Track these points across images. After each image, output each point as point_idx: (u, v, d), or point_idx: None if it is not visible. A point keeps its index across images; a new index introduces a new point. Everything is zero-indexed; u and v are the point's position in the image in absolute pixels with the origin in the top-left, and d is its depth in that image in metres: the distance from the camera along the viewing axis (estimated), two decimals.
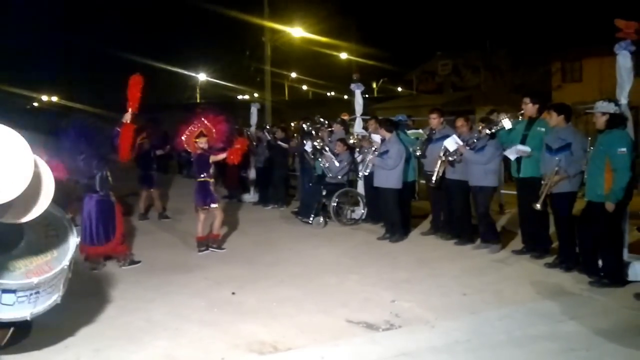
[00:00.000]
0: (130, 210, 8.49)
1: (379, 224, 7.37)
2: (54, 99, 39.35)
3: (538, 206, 5.21)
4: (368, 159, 7.01)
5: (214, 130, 6.29)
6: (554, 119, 5.21)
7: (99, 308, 4.40)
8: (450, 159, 6.18)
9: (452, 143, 6.10)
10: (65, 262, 2.91)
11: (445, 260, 5.75)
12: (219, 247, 6.39)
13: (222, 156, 6.28)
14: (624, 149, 4.54)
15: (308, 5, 22.46)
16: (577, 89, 21.97)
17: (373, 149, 7.00)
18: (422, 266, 5.57)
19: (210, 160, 6.23)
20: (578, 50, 23.20)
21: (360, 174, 7.57)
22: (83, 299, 4.53)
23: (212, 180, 6.30)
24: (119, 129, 5.43)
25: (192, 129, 6.29)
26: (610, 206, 4.57)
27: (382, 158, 6.68)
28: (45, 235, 2.88)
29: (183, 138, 6.31)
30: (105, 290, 4.86)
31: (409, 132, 7.72)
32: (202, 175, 6.23)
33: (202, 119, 6.32)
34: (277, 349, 3.63)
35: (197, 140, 6.21)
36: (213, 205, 6.24)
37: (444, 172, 6.30)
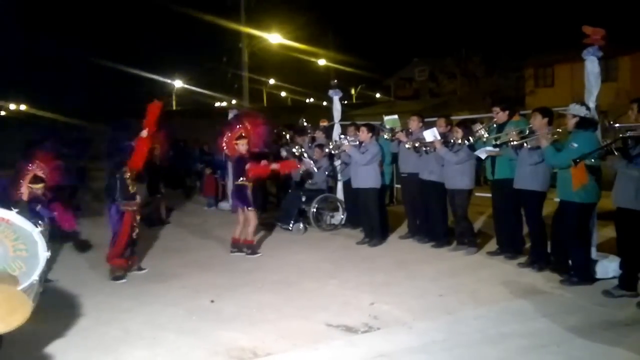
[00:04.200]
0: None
1: (358, 228, 7.43)
2: (23, 107, 38.35)
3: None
4: (342, 147, 7.05)
5: (253, 133, 6.47)
6: (538, 120, 5.29)
7: (73, 320, 4.32)
8: (424, 148, 6.38)
9: (430, 135, 6.29)
10: (35, 277, 2.89)
11: (422, 263, 5.84)
12: (254, 252, 6.45)
13: (274, 166, 6.62)
14: (576, 145, 4.66)
15: (286, 12, 22.55)
16: (549, 93, 22.63)
17: (350, 140, 7.06)
18: (400, 269, 5.64)
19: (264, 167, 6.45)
20: (550, 57, 23.90)
21: (339, 176, 7.56)
22: (57, 311, 4.46)
23: (249, 184, 6.41)
24: (132, 144, 5.43)
25: (233, 131, 6.46)
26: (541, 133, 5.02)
27: (358, 151, 6.76)
28: (13, 250, 2.85)
29: (225, 141, 6.48)
30: (80, 302, 4.78)
31: (385, 118, 7.83)
32: (240, 179, 6.39)
33: (243, 120, 6.53)
34: (256, 355, 3.63)
35: (238, 142, 6.32)
36: (249, 209, 6.37)
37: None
